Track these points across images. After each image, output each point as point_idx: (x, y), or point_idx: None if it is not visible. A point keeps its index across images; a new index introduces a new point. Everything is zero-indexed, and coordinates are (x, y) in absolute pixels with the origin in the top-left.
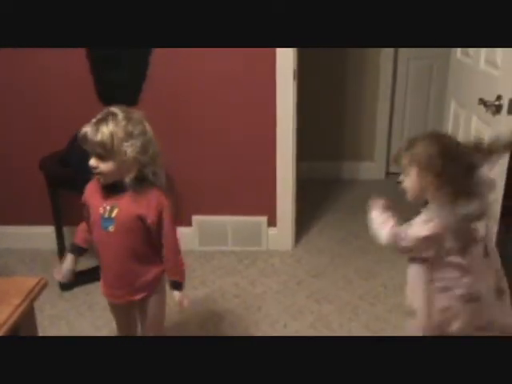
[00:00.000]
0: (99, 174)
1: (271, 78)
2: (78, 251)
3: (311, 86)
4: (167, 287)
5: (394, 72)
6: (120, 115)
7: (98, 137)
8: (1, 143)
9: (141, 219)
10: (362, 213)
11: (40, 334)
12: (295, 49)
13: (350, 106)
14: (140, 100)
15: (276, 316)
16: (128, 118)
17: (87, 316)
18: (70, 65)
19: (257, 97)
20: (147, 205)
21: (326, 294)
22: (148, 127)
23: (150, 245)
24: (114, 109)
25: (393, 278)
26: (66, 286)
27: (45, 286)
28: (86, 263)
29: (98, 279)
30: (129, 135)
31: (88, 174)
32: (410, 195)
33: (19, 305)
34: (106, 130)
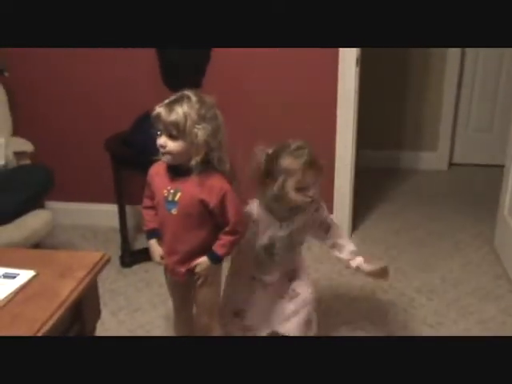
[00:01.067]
0: (167, 153)
1: (334, 65)
2: (156, 234)
3: (374, 73)
4: (223, 276)
5: (461, 58)
6: (194, 98)
7: (172, 116)
8: (69, 125)
9: (203, 204)
10: (419, 204)
11: (100, 308)
12: None
13: (413, 93)
14: (203, 84)
15: (330, 305)
16: (201, 102)
17: (145, 292)
18: (135, 48)
19: (319, 83)
20: (210, 190)
21: (380, 284)
22: (218, 113)
23: (212, 229)
24: (188, 92)
25: (451, 272)
26: (126, 263)
27: (108, 261)
28: (143, 242)
29: None
30: (201, 118)
31: (151, 155)
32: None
33: (83, 278)
34: (180, 110)
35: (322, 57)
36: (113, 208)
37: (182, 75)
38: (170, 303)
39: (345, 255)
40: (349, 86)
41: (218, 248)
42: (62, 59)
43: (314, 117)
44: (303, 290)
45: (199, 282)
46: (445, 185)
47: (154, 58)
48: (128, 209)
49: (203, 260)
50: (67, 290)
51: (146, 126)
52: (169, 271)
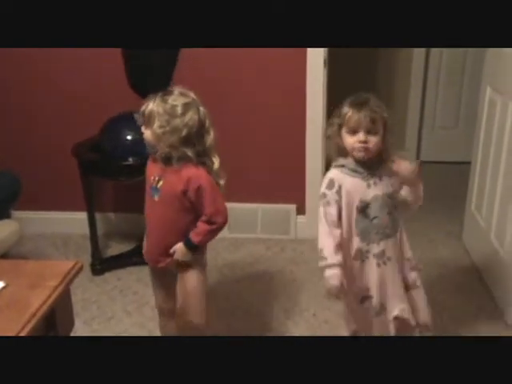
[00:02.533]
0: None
1: (302, 66)
2: None
3: (341, 73)
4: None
5: (426, 58)
6: (176, 91)
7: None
8: (35, 131)
9: (182, 193)
10: None
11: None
12: None
13: (380, 94)
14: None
15: (305, 305)
16: (182, 94)
17: (118, 300)
18: (101, 52)
19: (287, 86)
20: (187, 181)
21: None
22: (202, 110)
23: (191, 219)
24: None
25: (424, 268)
26: (97, 271)
27: (80, 269)
28: (115, 249)
29: (128, 264)
30: (169, 113)
31: (120, 160)
32: (372, 153)
33: (56, 288)
34: (151, 104)
35: (289, 58)
36: (83, 215)
37: (149, 79)
38: (144, 310)
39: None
40: (317, 87)
41: (194, 235)
42: (26, 64)
43: (283, 118)
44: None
45: (178, 268)
46: None
47: (121, 62)
48: (98, 216)
49: (179, 246)
50: (39, 300)
51: (116, 130)
52: (150, 260)
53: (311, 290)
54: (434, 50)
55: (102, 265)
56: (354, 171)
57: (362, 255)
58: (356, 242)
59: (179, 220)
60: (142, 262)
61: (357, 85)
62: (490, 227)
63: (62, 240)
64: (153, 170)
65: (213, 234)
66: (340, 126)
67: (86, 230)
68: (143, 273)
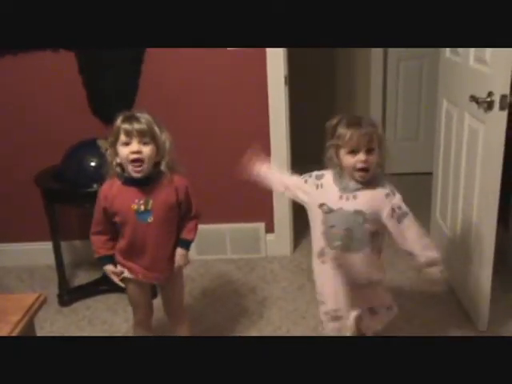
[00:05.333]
0: (141, 160)
1: (263, 85)
2: (111, 259)
3: (301, 89)
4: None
5: (384, 73)
6: (143, 113)
7: (142, 125)
8: None
9: (177, 203)
10: None
11: None
12: (286, 54)
13: (341, 108)
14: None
15: (278, 322)
16: (150, 114)
17: (88, 331)
18: (63, 80)
19: (249, 104)
20: (176, 189)
21: None
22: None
23: (179, 223)
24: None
25: (392, 279)
26: (65, 302)
27: (44, 301)
28: (82, 278)
29: (97, 293)
30: (159, 126)
31: (85, 187)
32: (371, 172)
33: (18, 322)
34: (143, 120)
35: (250, 78)
36: (48, 245)
37: (112, 104)
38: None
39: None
40: (279, 105)
41: (187, 234)
42: None
43: (247, 137)
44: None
45: (185, 261)
46: None
47: (81, 89)
48: (63, 245)
49: (180, 252)
50: (2, 334)
51: (78, 158)
52: (155, 278)
53: (283, 308)
54: (391, 63)
55: (69, 295)
56: (338, 181)
57: (323, 256)
58: (321, 241)
59: (175, 229)
60: (110, 290)
61: (316, 100)
62: (455, 236)
63: (27, 272)
64: (128, 199)
65: (197, 227)
66: (337, 148)
67: (52, 260)
68: (111, 301)
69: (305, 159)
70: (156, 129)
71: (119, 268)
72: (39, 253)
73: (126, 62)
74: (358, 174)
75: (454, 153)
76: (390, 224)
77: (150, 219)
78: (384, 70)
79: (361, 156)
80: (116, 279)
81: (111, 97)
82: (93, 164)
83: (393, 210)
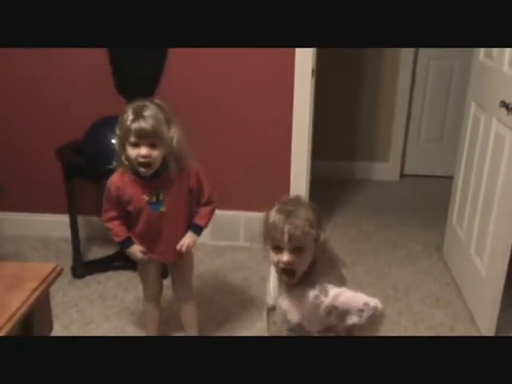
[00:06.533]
0: (149, 163)
1: (289, 75)
2: (131, 242)
3: (329, 84)
4: None
5: (413, 72)
6: (154, 105)
7: (149, 127)
8: (18, 132)
9: (186, 190)
10: (373, 214)
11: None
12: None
13: (366, 105)
14: (157, 93)
15: None
16: (162, 107)
17: (98, 304)
18: (88, 55)
19: (274, 94)
20: (187, 177)
21: None
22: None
23: (193, 208)
24: (146, 101)
25: (403, 280)
26: (78, 274)
27: (60, 272)
28: (96, 253)
29: (109, 269)
30: (169, 122)
31: (104, 164)
32: (300, 273)
33: (35, 290)
34: (151, 120)
35: (277, 68)
36: (64, 218)
37: (134, 83)
38: (124, 315)
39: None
40: (304, 97)
41: (200, 220)
42: (8, 66)
43: (269, 127)
44: None
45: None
46: (397, 195)
47: (107, 65)
48: (80, 219)
49: (190, 236)
50: (17, 301)
51: (100, 134)
52: (170, 257)
53: None
54: (421, 63)
55: (82, 268)
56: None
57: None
58: None
59: (188, 215)
60: (123, 267)
61: (343, 97)
62: (470, 241)
63: (42, 242)
64: (138, 190)
65: (212, 213)
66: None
67: (67, 233)
68: (123, 278)
69: (326, 154)
70: (164, 128)
71: (139, 248)
72: (55, 225)
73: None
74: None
75: (478, 158)
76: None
77: (163, 208)
78: (413, 68)
79: (284, 256)
80: (142, 256)
81: (136, 76)
82: (114, 142)
83: (329, 311)
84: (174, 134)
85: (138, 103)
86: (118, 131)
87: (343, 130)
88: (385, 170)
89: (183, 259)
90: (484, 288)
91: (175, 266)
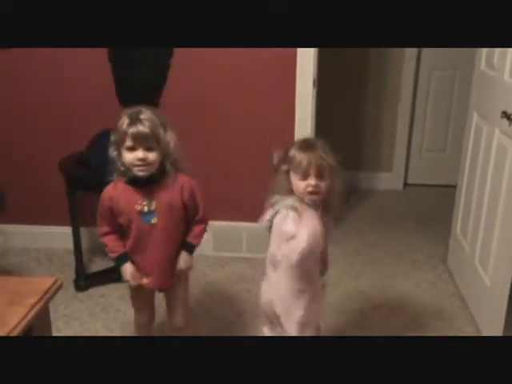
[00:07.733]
0: (146, 165)
1: (291, 86)
2: (127, 257)
3: (332, 94)
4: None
5: (415, 82)
6: (148, 111)
7: (145, 129)
8: (21, 144)
9: (180, 203)
10: (377, 224)
11: (54, 334)
12: (316, 57)
13: (369, 115)
14: (160, 104)
15: None
16: (155, 113)
17: (100, 317)
18: (90, 66)
19: (276, 105)
20: (181, 189)
21: (338, 304)
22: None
23: (184, 225)
24: (140, 107)
25: (408, 291)
26: (80, 287)
27: (60, 286)
28: (99, 265)
29: (111, 281)
30: (164, 126)
31: (107, 175)
32: (322, 197)
33: (34, 305)
34: (147, 123)
35: (279, 79)
36: (68, 230)
37: (135, 92)
38: (127, 328)
39: None
40: (306, 107)
41: (193, 239)
42: (11, 75)
43: (272, 138)
44: None
45: (181, 276)
46: (400, 205)
47: (110, 76)
48: (83, 230)
49: (184, 257)
50: (17, 317)
51: (103, 145)
52: (159, 284)
53: None
54: (423, 73)
55: (85, 280)
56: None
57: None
58: None
59: (180, 232)
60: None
61: (346, 108)
62: (475, 252)
63: (46, 255)
64: (131, 200)
65: (204, 232)
66: (288, 171)
67: (71, 245)
68: (126, 290)
69: None
70: (160, 131)
71: (133, 268)
72: (60, 236)
73: (156, 53)
74: (308, 198)
75: (481, 168)
76: None
77: (154, 220)
78: (415, 78)
79: (311, 181)
80: (131, 280)
81: (139, 87)
82: (110, 148)
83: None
84: (170, 138)
85: (133, 109)
86: (113, 137)
87: (346, 140)
88: (388, 180)
89: (176, 285)
90: (489, 298)
91: (168, 292)
